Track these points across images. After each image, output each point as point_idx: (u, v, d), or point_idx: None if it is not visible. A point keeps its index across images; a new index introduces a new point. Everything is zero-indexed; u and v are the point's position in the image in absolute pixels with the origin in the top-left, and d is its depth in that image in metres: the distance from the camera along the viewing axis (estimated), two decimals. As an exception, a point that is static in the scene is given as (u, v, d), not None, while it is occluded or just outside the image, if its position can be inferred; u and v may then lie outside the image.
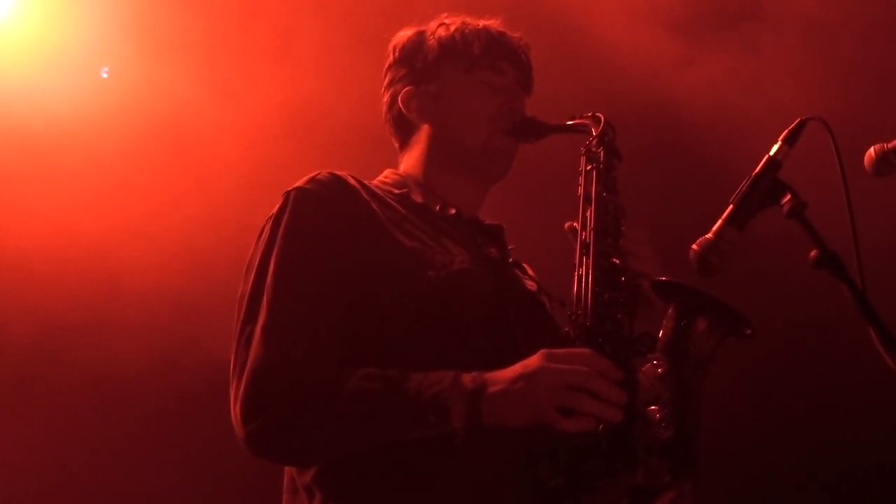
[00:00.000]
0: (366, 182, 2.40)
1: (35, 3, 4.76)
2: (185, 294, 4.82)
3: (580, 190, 2.32)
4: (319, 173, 2.33)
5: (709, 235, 2.10)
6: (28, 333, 4.93)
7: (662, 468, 1.95)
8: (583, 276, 2.18)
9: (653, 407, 2.00)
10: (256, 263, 2.25)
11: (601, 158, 2.33)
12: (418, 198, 2.44)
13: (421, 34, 2.58)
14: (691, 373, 2.05)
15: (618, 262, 2.20)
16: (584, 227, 2.25)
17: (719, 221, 2.11)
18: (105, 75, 4.86)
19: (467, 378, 2.02)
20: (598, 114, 2.42)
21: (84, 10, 4.73)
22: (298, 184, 2.31)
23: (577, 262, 2.21)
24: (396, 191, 2.44)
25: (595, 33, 4.61)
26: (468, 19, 2.57)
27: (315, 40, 4.75)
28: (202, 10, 4.76)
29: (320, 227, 2.25)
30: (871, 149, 2.25)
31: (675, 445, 1.97)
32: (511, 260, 2.50)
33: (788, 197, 2.07)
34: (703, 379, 2.07)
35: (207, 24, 4.77)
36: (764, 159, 2.12)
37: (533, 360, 2.01)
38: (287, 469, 2.26)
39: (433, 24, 2.58)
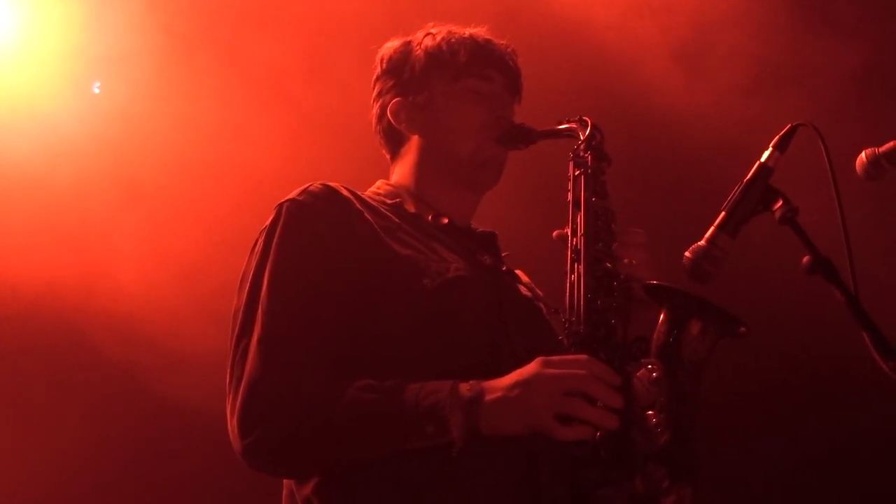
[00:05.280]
0: (359, 192, 2.40)
1: (32, 20, 4.75)
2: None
3: (569, 196, 2.32)
4: (312, 184, 2.33)
5: (701, 242, 2.10)
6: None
7: (661, 474, 1.95)
8: (575, 283, 2.17)
9: (649, 412, 2.00)
10: (250, 276, 2.25)
11: (589, 163, 2.33)
12: (411, 207, 2.44)
13: (407, 45, 2.58)
14: (687, 377, 2.04)
15: (610, 267, 2.20)
16: (574, 233, 2.25)
17: (712, 228, 2.11)
18: (97, 90, 4.84)
19: (465, 387, 2.02)
20: (585, 118, 2.42)
21: (79, 26, 4.72)
22: (291, 195, 2.31)
23: (568, 268, 2.21)
24: (389, 201, 2.44)
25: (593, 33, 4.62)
26: (454, 28, 2.56)
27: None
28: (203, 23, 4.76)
29: (314, 238, 2.25)
30: (863, 153, 2.26)
31: (672, 451, 1.97)
32: (505, 267, 2.49)
33: (780, 203, 2.07)
34: (699, 383, 2.06)
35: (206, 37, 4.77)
36: (755, 166, 2.12)
37: (529, 368, 2.01)
38: (286, 482, 2.26)
39: (419, 35, 2.58)
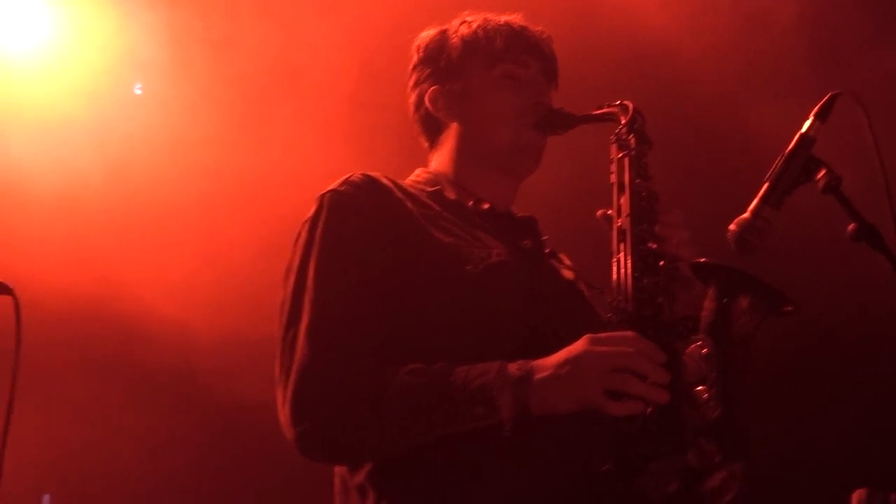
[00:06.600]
0: (398, 181, 2.42)
1: (69, 28, 4.78)
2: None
3: (613, 178, 2.32)
4: (352, 175, 2.35)
5: (746, 215, 2.10)
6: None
7: (712, 449, 1.95)
8: (621, 263, 2.17)
9: (699, 388, 2.00)
10: (296, 267, 2.27)
11: (632, 145, 2.33)
12: (451, 194, 2.46)
13: (443, 33, 2.60)
14: (735, 352, 2.04)
15: (655, 247, 2.19)
16: (619, 214, 2.25)
17: (755, 200, 2.11)
18: (139, 92, 4.87)
19: (513, 367, 2.03)
20: (625, 102, 2.42)
21: (118, 30, 4.76)
22: (332, 186, 2.34)
23: (614, 248, 2.21)
24: (429, 188, 2.45)
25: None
26: (490, 16, 2.58)
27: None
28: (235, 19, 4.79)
29: (356, 227, 2.27)
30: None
31: (723, 425, 1.97)
32: (547, 250, 2.50)
33: (823, 172, 2.06)
34: (748, 358, 2.06)
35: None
36: (796, 136, 2.12)
37: (578, 345, 2.02)
38: (337, 471, 2.28)
39: (455, 23, 2.60)
